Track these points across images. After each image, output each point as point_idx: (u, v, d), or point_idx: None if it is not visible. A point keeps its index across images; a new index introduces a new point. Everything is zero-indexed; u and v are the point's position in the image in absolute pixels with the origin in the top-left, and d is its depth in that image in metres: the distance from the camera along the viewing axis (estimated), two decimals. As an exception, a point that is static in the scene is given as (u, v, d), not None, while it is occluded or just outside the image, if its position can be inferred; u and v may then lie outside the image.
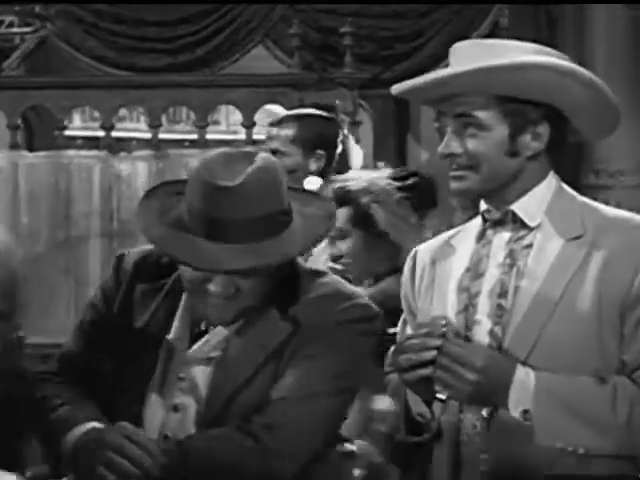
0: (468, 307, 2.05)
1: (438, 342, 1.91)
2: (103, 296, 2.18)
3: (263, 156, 1.96)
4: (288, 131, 3.41)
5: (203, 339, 2.07)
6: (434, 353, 1.91)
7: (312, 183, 3.34)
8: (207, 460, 1.95)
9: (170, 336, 2.07)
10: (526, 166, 2.05)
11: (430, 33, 5.73)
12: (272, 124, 3.51)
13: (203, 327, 2.08)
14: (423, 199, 3.01)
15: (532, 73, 1.97)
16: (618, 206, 2.20)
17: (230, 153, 1.98)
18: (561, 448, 1.91)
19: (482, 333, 2.03)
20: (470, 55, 2.01)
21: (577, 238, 2.01)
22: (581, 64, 2.04)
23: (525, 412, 1.92)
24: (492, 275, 2.05)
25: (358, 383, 2.09)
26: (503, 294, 2.02)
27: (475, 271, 2.07)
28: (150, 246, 2.12)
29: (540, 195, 2.06)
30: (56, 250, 5.47)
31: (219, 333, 2.06)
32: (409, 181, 3.06)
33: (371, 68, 5.71)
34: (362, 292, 2.21)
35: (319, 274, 2.09)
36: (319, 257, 3.32)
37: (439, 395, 1.96)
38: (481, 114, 2.01)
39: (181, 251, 1.94)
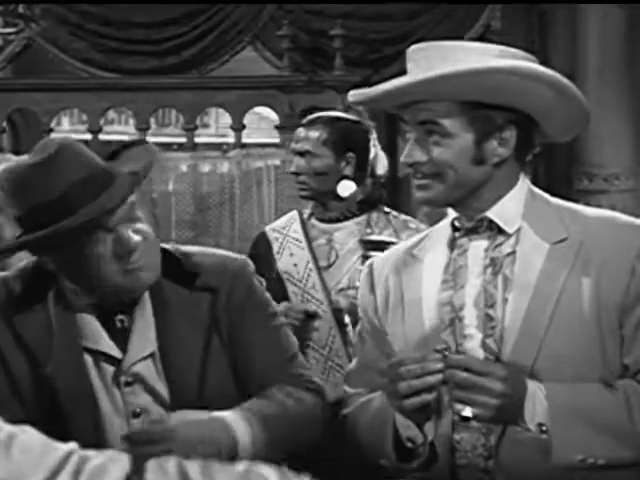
0: (454, 321, 1.97)
1: (440, 365, 1.82)
2: None
3: (59, 138, 2.00)
4: (319, 133, 3.35)
5: (132, 339, 2.01)
6: (440, 376, 1.81)
7: (347, 188, 3.30)
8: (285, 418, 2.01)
9: (98, 347, 2.00)
10: (494, 173, 1.96)
11: (420, 35, 5.67)
12: (300, 125, 3.46)
13: (121, 324, 2.02)
14: None
15: (492, 77, 1.88)
16: (612, 210, 2.13)
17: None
18: (580, 461, 1.83)
19: (474, 346, 1.94)
20: (428, 60, 1.92)
21: (562, 241, 1.95)
22: (574, 66, 1.97)
23: (540, 425, 1.83)
24: (473, 285, 1.97)
25: None
26: (490, 304, 1.95)
27: (454, 283, 1.99)
28: None
29: (514, 200, 1.99)
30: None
31: (142, 325, 2.01)
32: None
33: (361, 71, 5.67)
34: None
35: (179, 248, 2.11)
36: (349, 257, 3.27)
37: (464, 414, 1.83)
38: (444, 121, 1.92)
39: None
